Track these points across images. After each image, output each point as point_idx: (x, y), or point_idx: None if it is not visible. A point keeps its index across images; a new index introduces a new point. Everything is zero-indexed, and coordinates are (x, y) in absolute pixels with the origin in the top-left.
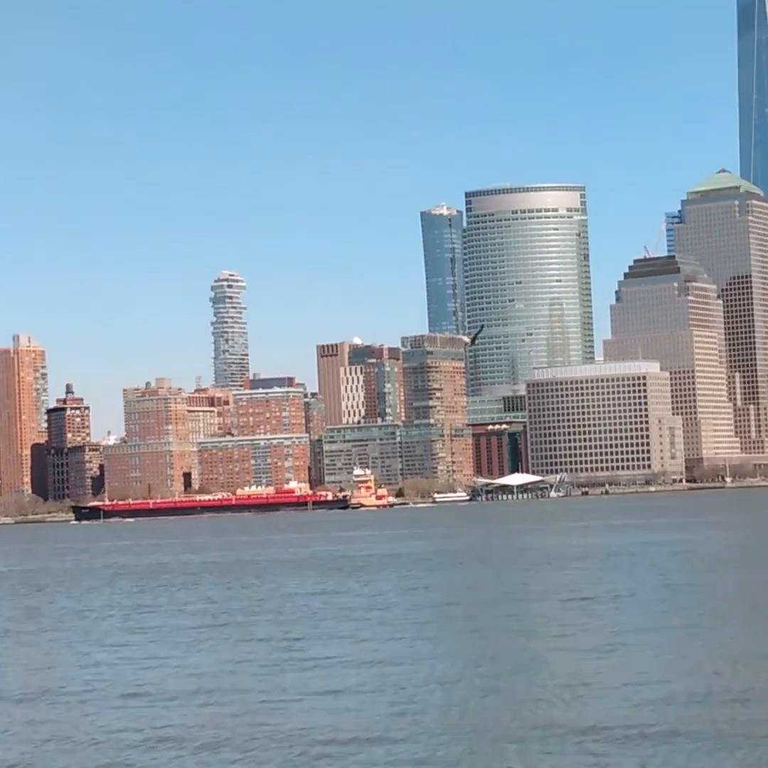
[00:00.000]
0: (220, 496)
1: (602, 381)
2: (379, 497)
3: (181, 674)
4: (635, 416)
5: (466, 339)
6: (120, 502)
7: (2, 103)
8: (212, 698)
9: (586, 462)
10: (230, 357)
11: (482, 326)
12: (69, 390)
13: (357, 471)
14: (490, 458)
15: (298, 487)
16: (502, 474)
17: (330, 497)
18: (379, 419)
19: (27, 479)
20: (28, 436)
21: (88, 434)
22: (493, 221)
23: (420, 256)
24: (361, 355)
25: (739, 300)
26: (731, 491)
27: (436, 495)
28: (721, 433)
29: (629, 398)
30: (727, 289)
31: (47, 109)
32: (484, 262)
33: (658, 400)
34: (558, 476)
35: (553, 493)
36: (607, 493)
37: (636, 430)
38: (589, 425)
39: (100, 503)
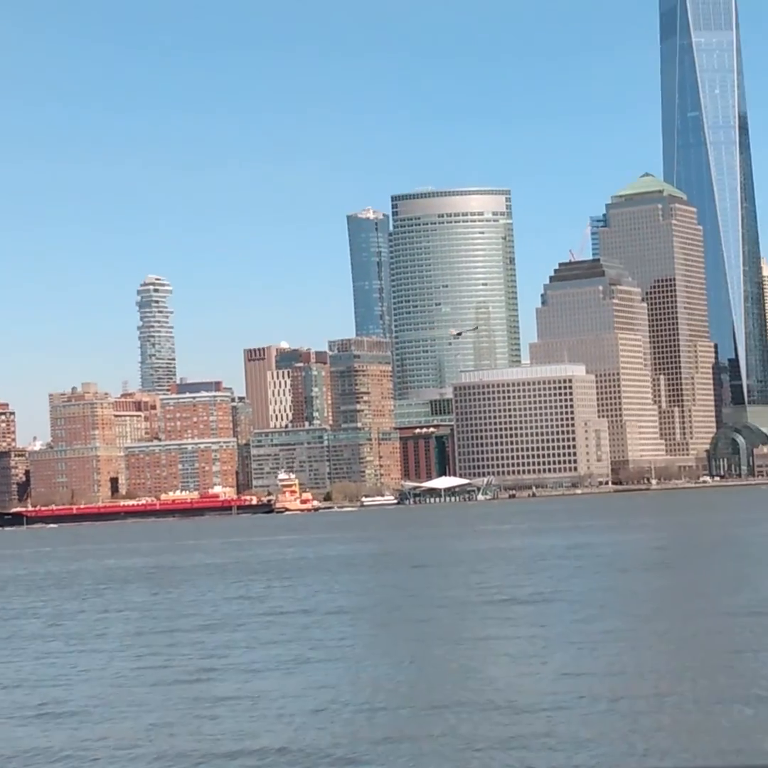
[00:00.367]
0: (144, 501)
1: (528, 384)
2: (303, 501)
3: (96, 684)
4: (561, 419)
5: (386, 341)
6: (43, 508)
7: None
8: (119, 711)
9: (513, 465)
10: (157, 361)
11: (476, 327)
12: None
13: (282, 475)
14: (418, 461)
15: (223, 491)
16: (429, 477)
17: (254, 502)
18: (307, 423)
19: None
20: None
21: (13, 440)
22: (419, 225)
23: (346, 259)
24: (288, 359)
25: (664, 303)
26: (656, 493)
27: (364, 499)
28: (646, 436)
29: (555, 401)
30: (651, 292)
31: None
32: (411, 265)
33: (583, 402)
34: (485, 479)
35: (480, 496)
36: (534, 495)
37: (562, 432)
38: (516, 428)
39: (24, 509)
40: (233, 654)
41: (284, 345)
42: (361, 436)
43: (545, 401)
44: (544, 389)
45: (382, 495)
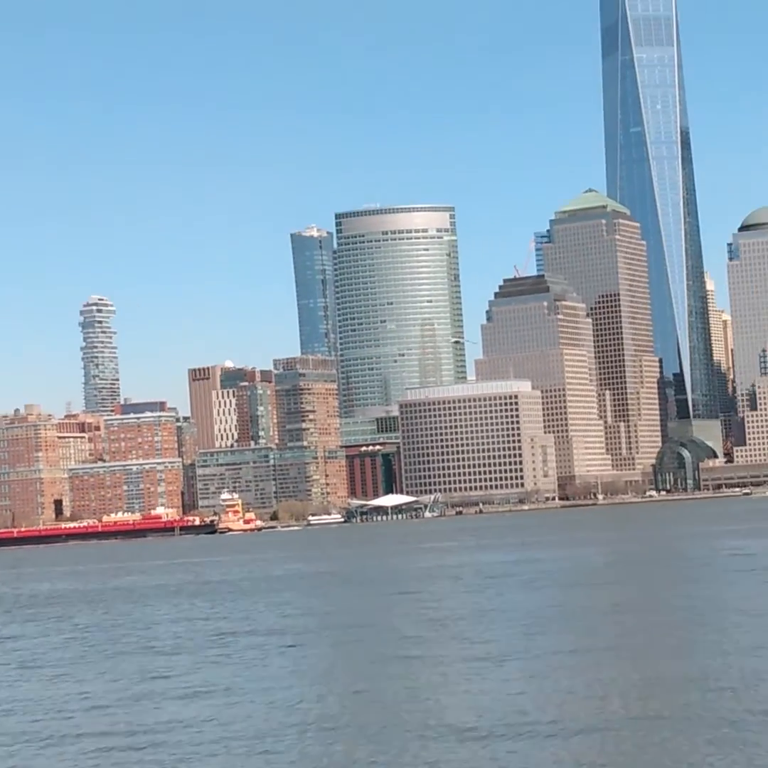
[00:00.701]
0: (86, 524)
1: (474, 400)
2: (246, 521)
3: (37, 709)
4: (507, 435)
5: (331, 359)
6: None
7: None
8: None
9: (459, 482)
10: (101, 382)
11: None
12: None
13: (225, 495)
14: (365, 480)
15: (165, 512)
16: (376, 495)
17: (197, 522)
18: (252, 442)
19: None
20: None
21: None
22: (363, 242)
23: (291, 277)
24: (233, 378)
25: (608, 318)
26: (603, 508)
27: (310, 517)
28: (592, 451)
29: (501, 417)
30: (595, 308)
31: None
32: (355, 283)
33: (529, 418)
34: (432, 496)
35: (427, 514)
36: (481, 512)
37: (508, 449)
38: (462, 445)
39: None
40: (169, 678)
41: (229, 364)
42: (307, 455)
43: (491, 417)
44: (490, 405)
45: (329, 514)
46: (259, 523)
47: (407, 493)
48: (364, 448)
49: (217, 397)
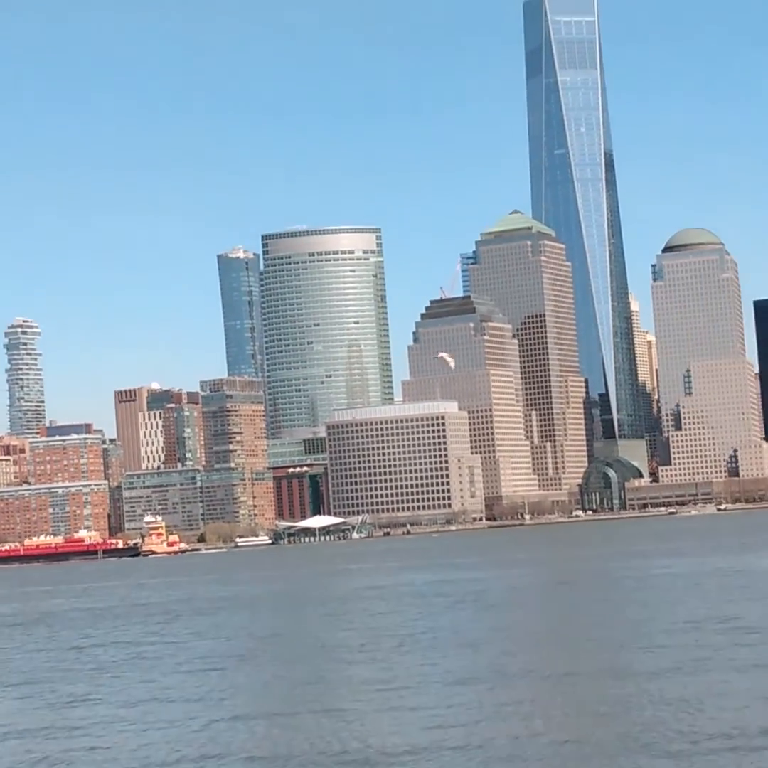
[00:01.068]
0: (7, 547)
1: (401, 422)
2: (170, 544)
3: None
4: (435, 456)
5: (258, 380)
6: None
7: None
8: None
9: (387, 503)
10: (26, 404)
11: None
12: None
13: (148, 518)
14: (292, 501)
15: (88, 535)
16: (304, 516)
17: (121, 545)
18: (179, 464)
19: None
20: None
21: None
22: (290, 264)
23: (217, 299)
24: (159, 399)
25: (534, 339)
26: (530, 528)
27: (238, 539)
28: (519, 471)
29: (428, 438)
30: (521, 329)
31: None
32: (282, 304)
33: (456, 439)
34: (359, 518)
35: (355, 535)
36: (408, 533)
37: (436, 469)
38: (390, 466)
39: None
40: (87, 704)
41: (155, 386)
42: (234, 477)
43: (418, 438)
44: (417, 426)
45: (257, 535)
46: (182, 545)
47: (335, 515)
48: (291, 470)
49: (144, 419)
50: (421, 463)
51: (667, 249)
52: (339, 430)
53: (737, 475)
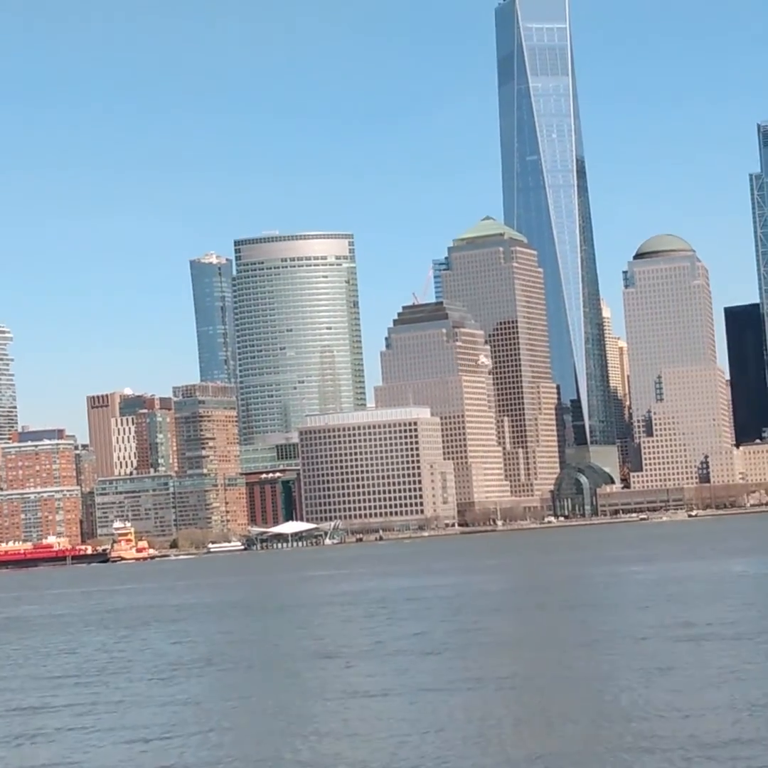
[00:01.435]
0: None
1: (374, 427)
2: (139, 550)
3: None
4: (407, 462)
5: (231, 386)
6: None
7: None
8: None
9: (359, 508)
10: None
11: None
12: None
13: (117, 524)
14: (265, 507)
15: (57, 541)
16: (276, 522)
17: (90, 551)
18: (152, 470)
19: None
20: None
21: None
22: (262, 269)
23: (190, 304)
24: (132, 405)
25: (506, 345)
26: (502, 534)
27: (210, 545)
28: (491, 477)
29: (401, 444)
30: (494, 335)
31: None
32: (255, 310)
33: (429, 445)
34: (332, 524)
35: (327, 541)
36: (381, 539)
37: (408, 475)
38: (362, 472)
39: None
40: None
41: (128, 391)
42: (206, 483)
43: (391, 444)
44: (390, 432)
45: (229, 541)
46: (152, 551)
47: (307, 521)
48: (264, 476)
49: (116, 425)
50: (393, 469)
51: (639, 256)
52: (311, 435)
53: (708, 481)
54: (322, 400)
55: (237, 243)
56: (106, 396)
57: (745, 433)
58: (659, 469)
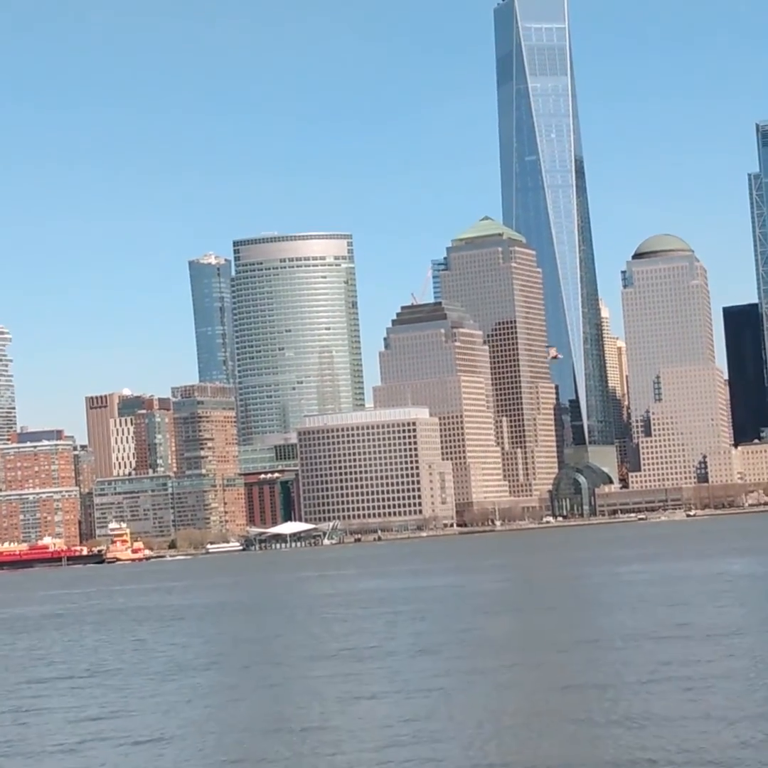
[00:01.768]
0: None
1: (372, 428)
2: (135, 551)
3: None
4: (405, 462)
5: (230, 386)
6: None
7: None
8: None
9: (358, 509)
10: None
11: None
12: None
13: (112, 525)
14: (263, 507)
15: (52, 542)
16: (275, 523)
17: (85, 552)
18: (151, 471)
19: None
20: None
21: None
22: (261, 270)
23: (189, 305)
24: (131, 406)
25: (505, 345)
26: (500, 534)
27: (209, 546)
28: (489, 477)
29: (399, 444)
30: (492, 335)
31: None
32: (253, 310)
33: (427, 445)
34: (330, 524)
35: (326, 541)
36: (379, 539)
37: (407, 476)
38: (361, 472)
39: None
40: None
41: (127, 392)
42: (205, 483)
43: (389, 445)
44: (388, 433)
45: (228, 542)
46: (147, 552)
47: (306, 521)
48: (262, 476)
49: (115, 426)
50: (392, 470)
51: (637, 255)
52: (310, 436)
53: (706, 481)
54: (321, 401)
55: (236, 243)
56: (105, 397)
57: (743, 433)
58: (658, 469)
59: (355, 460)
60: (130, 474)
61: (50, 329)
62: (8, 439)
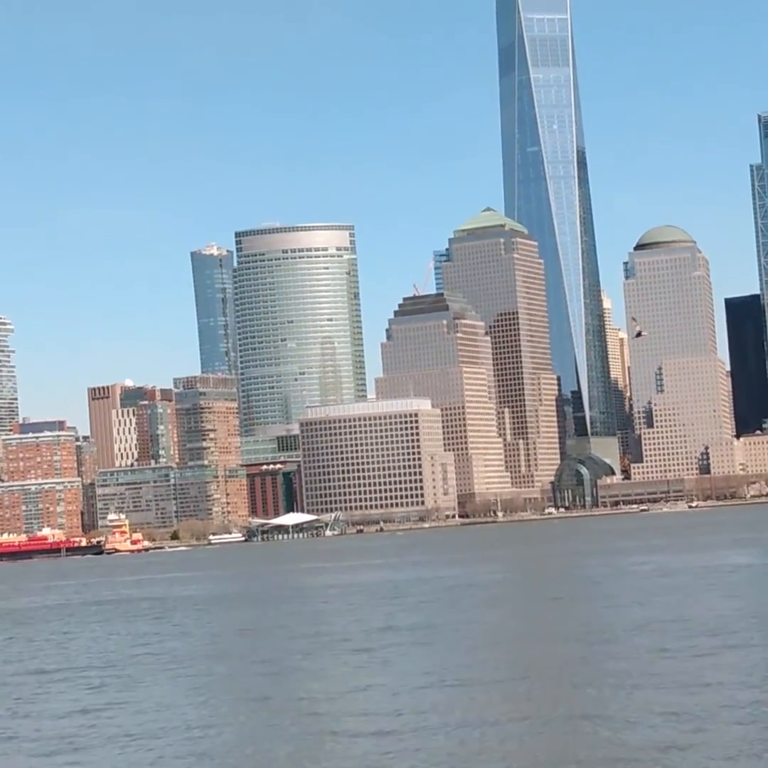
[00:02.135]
0: None
1: (374, 419)
2: (133, 542)
3: None
4: (408, 453)
5: (232, 377)
6: None
7: None
8: None
9: (360, 500)
10: None
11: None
12: None
13: (111, 516)
14: (266, 498)
15: (52, 533)
16: (277, 514)
17: (84, 543)
18: (153, 461)
19: None
20: None
21: None
22: (263, 261)
23: (191, 296)
24: (133, 397)
25: (507, 336)
26: (503, 526)
27: (211, 537)
28: (491, 468)
29: (401, 435)
30: (494, 326)
31: None
32: (256, 301)
33: (429, 436)
34: (333, 515)
35: (328, 532)
36: (381, 530)
37: (409, 466)
38: (363, 463)
39: None
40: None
41: (129, 383)
42: (207, 474)
43: (391, 436)
44: (390, 424)
45: (230, 533)
46: (146, 543)
47: (308, 512)
48: (264, 467)
49: (117, 416)
50: (394, 461)
51: (639, 247)
52: (312, 427)
53: (709, 472)
54: (323, 392)
55: (238, 234)
56: (107, 387)
57: (745, 424)
58: (660, 460)
59: (357, 451)
60: (132, 465)
61: (52, 320)
62: (10, 430)
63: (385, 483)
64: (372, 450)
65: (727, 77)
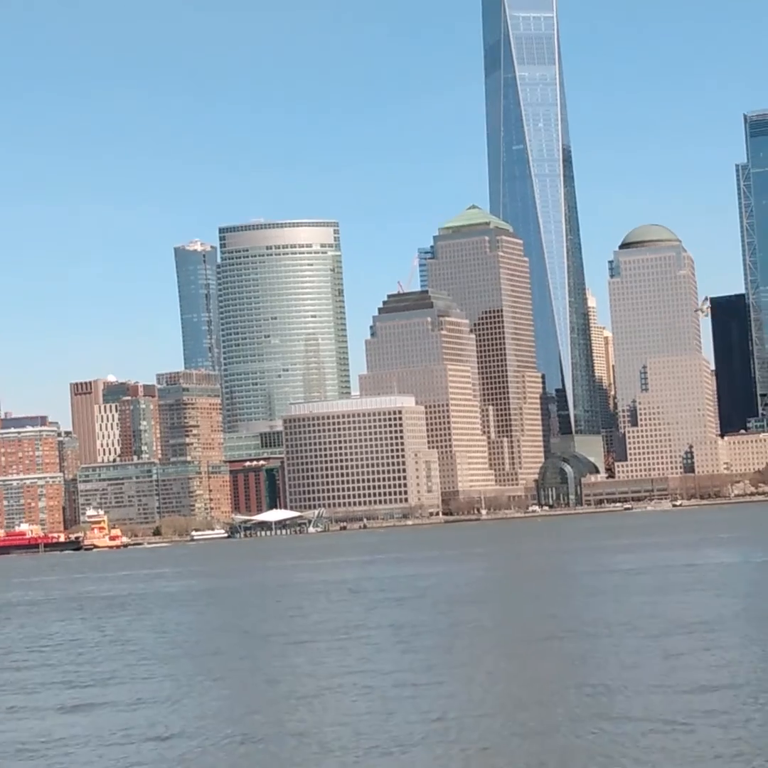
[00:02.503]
0: None
1: (358, 416)
2: (112, 538)
3: None
4: (391, 450)
5: (215, 373)
6: None
7: None
8: None
9: (343, 497)
10: None
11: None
12: None
13: (90, 511)
14: (249, 495)
15: (30, 529)
16: (260, 510)
17: (62, 539)
18: (135, 457)
19: None
20: None
21: None
22: (247, 257)
23: (174, 292)
24: (115, 392)
25: (491, 334)
26: (486, 523)
27: (194, 533)
28: (475, 466)
29: (385, 433)
30: (479, 324)
31: None
32: (239, 297)
33: (413, 434)
34: (316, 512)
35: (311, 529)
36: (365, 527)
37: (392, 464)
38: (346, 460)
39: None
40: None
41: (111, 378)
42: (190, 470)
43: (375, 433)
44: (374, 421)
45: (213, 529)
46: (125, 539)
47: (291, 509)
48: (247, 463)
49: (100, 412)
50: (377, 458)
51: (624, 245)
52: (296, 424)
53: (693, 471)
54: (307, 388)
55: (222, 230)
56: (90, 383)
57: (729, 424)
58: (644, 458)
59: (340, 448)
60: (114, 461)
61: (34, 315)
62: None
63: (368, 480)
64: (355, 447)
65: (713, 77)
